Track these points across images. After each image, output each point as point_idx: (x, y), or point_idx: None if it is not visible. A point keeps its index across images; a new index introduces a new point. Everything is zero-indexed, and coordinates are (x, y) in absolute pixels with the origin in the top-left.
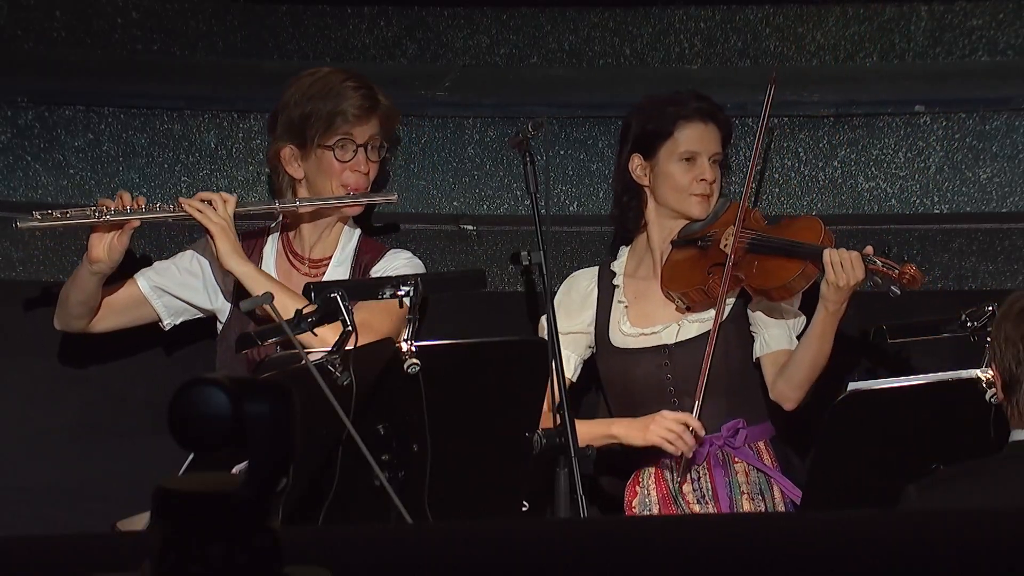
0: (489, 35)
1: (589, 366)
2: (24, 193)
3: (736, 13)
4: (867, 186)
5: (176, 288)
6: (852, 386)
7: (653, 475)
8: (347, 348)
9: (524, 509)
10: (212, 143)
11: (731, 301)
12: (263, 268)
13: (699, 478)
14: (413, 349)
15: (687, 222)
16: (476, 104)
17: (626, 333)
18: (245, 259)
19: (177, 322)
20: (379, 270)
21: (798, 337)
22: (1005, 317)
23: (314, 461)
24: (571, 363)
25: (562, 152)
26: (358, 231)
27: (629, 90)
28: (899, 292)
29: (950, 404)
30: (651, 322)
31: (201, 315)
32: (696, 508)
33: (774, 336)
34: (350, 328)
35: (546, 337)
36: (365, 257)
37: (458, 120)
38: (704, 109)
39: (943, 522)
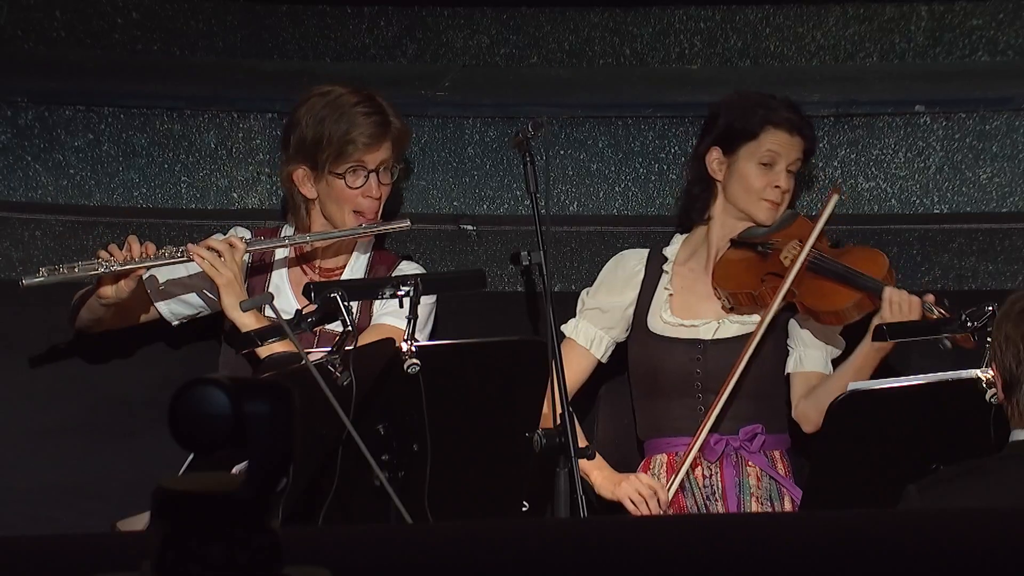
0: (489, 35)
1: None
2: (24, 193)
3: (736, 13)
4: (867, 186)
5: (183, 290)
6: (852, 386)
7: (666, 464)
8: (347, 348)
9: (524, 509)
10: (212, 143)
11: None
12: (274, 276)
13: (711, 475)
14: (413, 349)
15: (750, 225)
16: (476, 104)
17: (666, 321)
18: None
19: (185, 321)
20: None
21: (832, 362)
22: (1005, 317)
23: (314, 461)
24: (603, 344)
25: (562, 152)
26: (372, 242)
27: (629, 90)
28: (950, 347)
29: (950, 404)
30: (692, 315)
31: (209, 312)
32: (702, 502)
33: (811, 357)
34: (350, 328)
35: (567, 334)
36: (379, 267)
37: (458, 120)
38: (794, 121)
39: (943, 522)
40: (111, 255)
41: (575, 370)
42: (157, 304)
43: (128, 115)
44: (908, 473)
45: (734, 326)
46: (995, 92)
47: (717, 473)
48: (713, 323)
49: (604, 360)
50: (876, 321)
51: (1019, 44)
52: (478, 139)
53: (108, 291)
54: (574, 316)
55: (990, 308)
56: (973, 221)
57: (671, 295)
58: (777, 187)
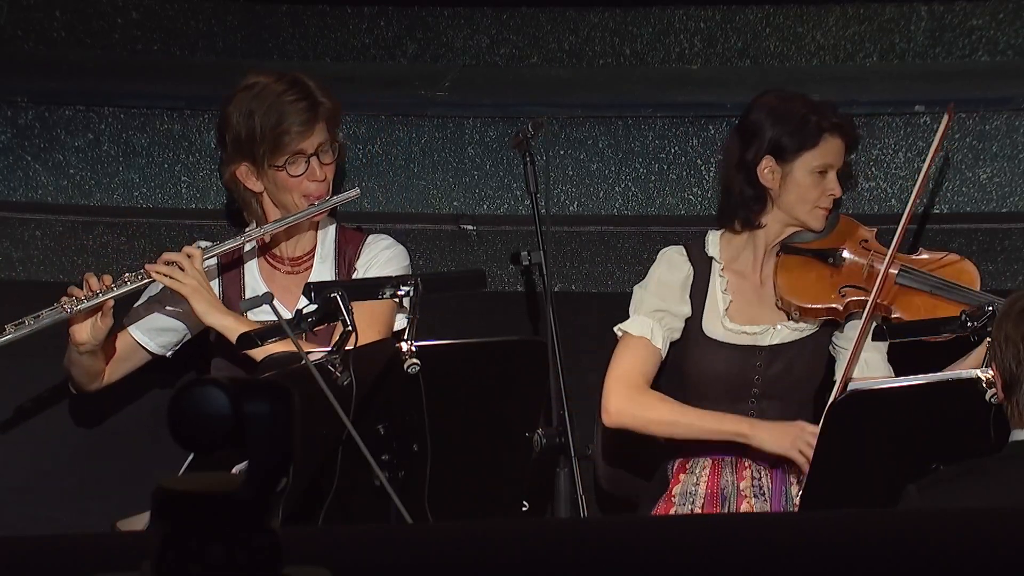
0: (489, 35)
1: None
2: (24, 193)
3: (736, 13)
4: (867, 186)
5: (166, 320)
6: (852, 386)
7: (709, 468)
8: (347, 348)
9: (524, 509)
10: (212, 143)
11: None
12: (247, 276)
13: (760, 476)
14: (413, 349)
15: (799, 230)
16: (476, 104)
17: (727, 328)
18: (225, 312)
19: (178, 348)
20: (365, 260)
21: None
22: (1005, 317)
23: (314, 461)
24: (664, 341)
25: (562, 152)
26: (333, 224)
27: (629, 90)
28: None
29: (950, 404)
30: (752, 321)
31: (193, 333)
32: (747, 505)
33: (873, 361)
34: (350, 328)
35: (635, 332)
36: (347, 248)
37: (458, 120)
38: (843, 125)
39: (943, 522)
40: (72, 296)
41: (652, 368)
42: (145, 345)
43: (128, 115)
44: (908, 473)
45: (791, 331)
46: (995, 92)
47: (767, 473)
48: (770, 329)
49: (664, 356)
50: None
51: (1019, 44)
52: (478, 139)
53: (82, 335)
54: (626, 314)
55: (990, 308)
56: (973, 221)
57: (732, 301)
58: (832, 194)
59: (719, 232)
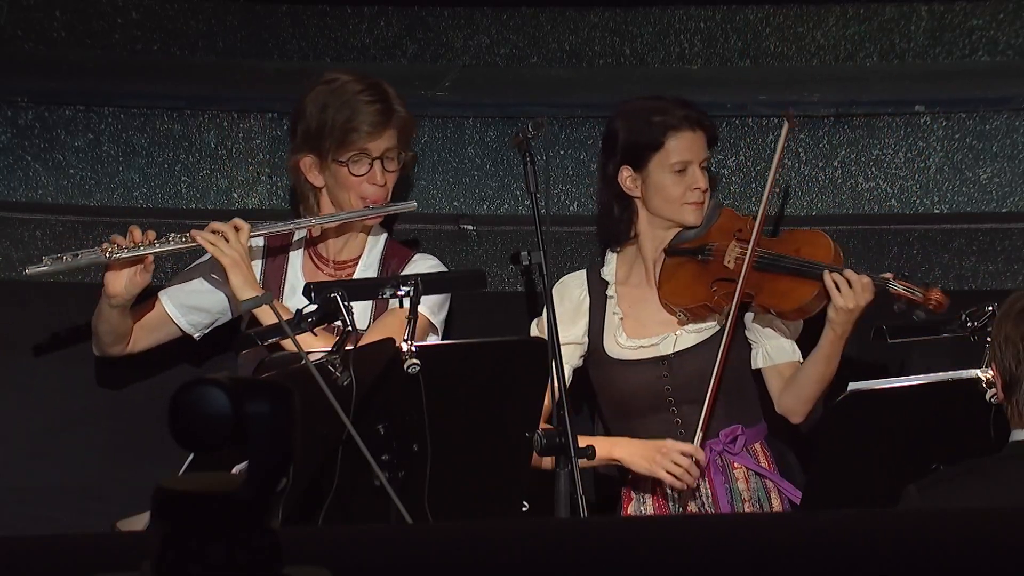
0: (489, 35)
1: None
2: (24, 193)
3: (736, 13)
4: (867, 186)
5: (201, 299)
6: (852, 386)
7: (650, 496)
8: (347, 348)
9: (524, 509)
10: (212, 143)
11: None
12: (289, 270)
13: (698, 487)
14: (413, 349)
15: (679, 230)
16: (476, 104)
17: (623, 345)
18: (259, 291)
19: (207, 331)
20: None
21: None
22: (1005, 317)
23: (314, 461)
24: (564, 373)
25: (562, 152)
26: (384, 235)
27: (629, 90)
28: (924, 316)
29: (950, 404)
30: (648, 332)
31: (227, 317)
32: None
33: (776, 348)
34: (350, 328)
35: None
36: (392, 261)
37: (458, 120)
38: (692, 117)
39: (943, 522)
40: (114, 243)
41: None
42: (175, 319)
43: (128, 115)
44: (908, 473)
45: (692, 335)
46: (995, 92)
47: (706, 483)
48: (670, 336)
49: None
50: (831, 307)
51: (1019, 44)
52: (478, 139)
53: (116, 286)
54: None
55: (990, 308)
56: (973, 221)
57: (622, 318)
58: (697, 188)
59: (614, 252)
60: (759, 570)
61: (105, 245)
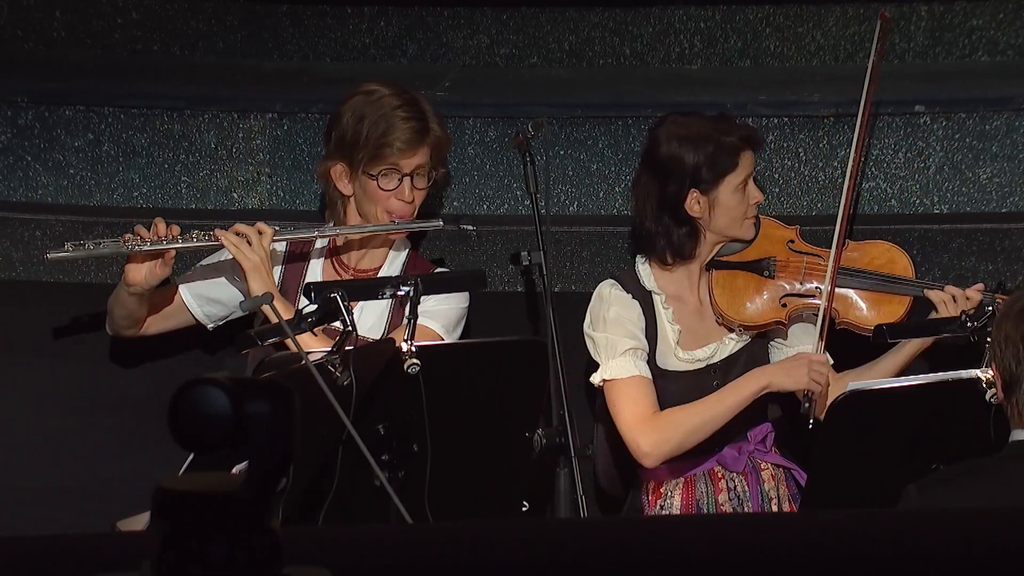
0: (489, 35)
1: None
2: (24, 193)
3: (736, 13)
4: (867, 186)
5: (219, 290)
6: (852, 386)
7: (682, 485)
8: (347, 348)
9: (524, 509)
10: (212, 143)
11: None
12: (309, 274)
13: (735, 487)
14: (413, 349)
15: (726, 242)
16: (476, 104)
17: (681, 358)
18: (278, 297)
19: (220, 323)
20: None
21: None
22: (1005, 317)
23: (314, 461)
24: (648, 370)
25: (562, 152)
26: (407, 248)
27: (629, 90)
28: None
29: (950, 404)
30: (699, 343)
31: (242, 312)
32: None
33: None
34: (350, 328)
35: (624, 375)
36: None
37: (458, 120)
38: (751, 136)
39: (943, 522)
40: (137, 235)
41: (654, 396)
42: (191, 308)
43: (128, 115)
44: (908, 473)
45: (732, 342)
46: (995, 92)
47: (742, 481)
48: (718, 345)
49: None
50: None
51: (1019, 44)
52: (478, 139)
53: (136, 275)
54: (596, 359)
55: (990, 308)
56: (973, 221)
57: (680, 331)
58: (756, 202)
59: (645, 261)
60: (759, 570)
61: (128, 236)
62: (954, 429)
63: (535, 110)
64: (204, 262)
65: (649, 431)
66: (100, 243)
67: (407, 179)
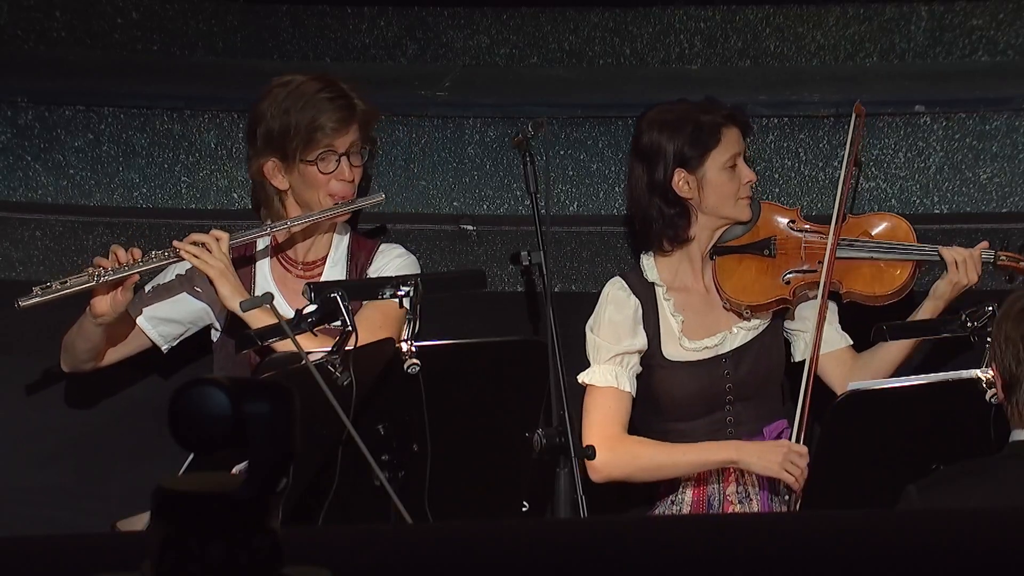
0: (489, 35)
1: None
2: (24, 193)
3: (736, 13)
4: (867, 186)
5: (171, 310)
6: (852, 386)
7: (689, 492)
8: (347, 348)
9: (524, 509)
10: (212, 143)
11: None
12: (258, 275)
13: (744, 482)
14: (413, 349)
15: (727, 227)
16: (476, 104)
17: (686, 348)
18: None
19: (175, 343)
20: (377, 267)
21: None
22: (1005, 317)
23: (314, 461)
24: (630, 381)
25: (562, 152)
26: (348, 231)
27: (629, 90)
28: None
29: (950, 404)
30: (707, 332)
31: (196, 328)
32: (733, 511)
33: (831, 336)
34: (350, 328)
35: (601, 384)
36: (360, 254)
37: (458, 120)
38: (735, 115)
39: (943, 522)
40: (99, 266)
41: (625, 414)
42: (147, 331)
43: (128, 115)
44: (908, 473)
45: (746, 331)
46: (995, 92)
47: (751, 476)
48: (727, 333)
49: (634, 395)
50: (944, 283)
51: (1019, 44)
52: (478, 139)
53: (102, 306)
54: (586, 360)
55: (990, 308)
56: (973, 221)
57: (683, 320)
58: (748, 181)
59: (651, 255)
60: (759, 570)
61: (91, 269)
62: (954, 429)
63: (535, 110)
64: (151, 284)
65: (607, 449)
66: (66, 282)
67: (344, 158)
